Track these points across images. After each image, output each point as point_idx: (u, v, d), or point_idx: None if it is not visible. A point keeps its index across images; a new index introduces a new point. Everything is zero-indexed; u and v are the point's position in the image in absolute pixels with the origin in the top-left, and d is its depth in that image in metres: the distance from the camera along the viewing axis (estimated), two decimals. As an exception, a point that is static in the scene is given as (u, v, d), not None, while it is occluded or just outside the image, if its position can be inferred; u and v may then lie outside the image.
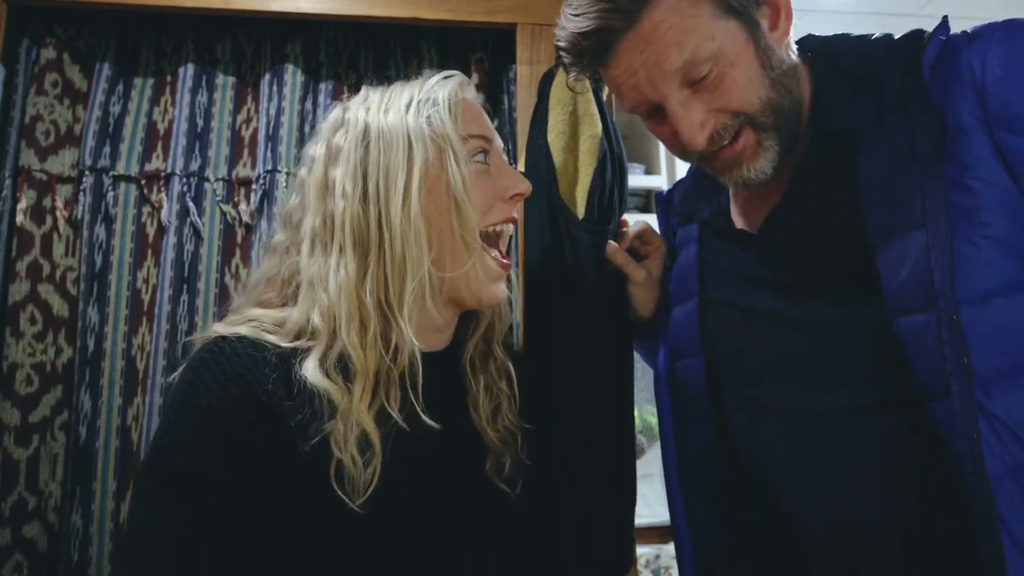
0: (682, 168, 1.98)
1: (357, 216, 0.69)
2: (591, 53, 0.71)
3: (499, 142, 0.79)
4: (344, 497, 0.61)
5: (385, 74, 1.39)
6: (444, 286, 0.73)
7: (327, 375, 0.65)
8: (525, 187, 0.78)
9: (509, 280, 0.81)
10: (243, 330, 0.67)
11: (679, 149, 0.76)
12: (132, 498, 0.66)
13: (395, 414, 0.66)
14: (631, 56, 0.69)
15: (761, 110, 0.70)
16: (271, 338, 0.67)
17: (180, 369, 0.66)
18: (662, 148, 2.04)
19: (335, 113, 0.78)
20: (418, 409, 0.67)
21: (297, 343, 0.68)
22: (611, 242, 0.92)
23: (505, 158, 0.80)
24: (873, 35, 0.74)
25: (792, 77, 0.73)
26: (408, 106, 0.73)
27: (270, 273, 0.76)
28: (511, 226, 0.79)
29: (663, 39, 0.67)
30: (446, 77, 0.78)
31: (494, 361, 0.82)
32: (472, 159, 0.74)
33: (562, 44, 0.74)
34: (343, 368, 0.66)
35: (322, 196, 0.73)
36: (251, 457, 0.61)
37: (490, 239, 0.77)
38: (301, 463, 0.62)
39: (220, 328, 0.68)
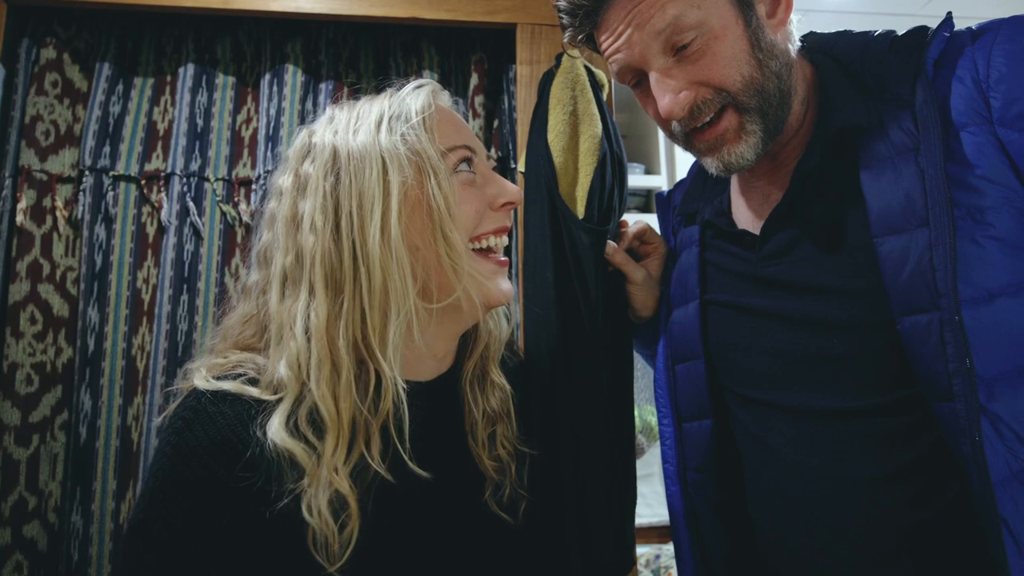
0: (682, 168, 1.98)
1: (329, 251, 0.64)
2: (584, 11, 0.73)
3: (482, 148, 0.75)
4: (321, 561, 0.58)
5: (385, 74, 1.39)
6: (434, 315, 0.69)
7: (294, 432, 0.60)
8: (514, 194, 0.73)
9: (509, 278, 0.80)
10: (226, 386, 0.62)
11: (665, 127, 0.76)
12: (118, 561, 0.64)
13: (376, 465, 0.61)
14: (618, 16, 0.70)
15: (743, 88, 0.69)
16: (254, 392, 0.63)
17: (165, 424, 0.62)
18: (662, 148, 2.04)
19: (301, 138, 0.72)
20: (405, 458, 0.62)
21: (278, 395, 0.63)
22: (610, 242, 0.92)
23: (490, 164, 0.77)
24: (876, 31, 0.74)
25: (784, 64, 0.72)
26: (379, 124, 0.67)
27: (247, 315, 0.71)
28: (504, 238, 0.74)
29: (648, 0, 0.68)
30: (417, 87, 0.72)
31: (491, 384, 0.77)
32: (456, 170, 0.70)
33: (561, 4, 0.76)
34: (314, 423, 0.61)
35: (292, 232, 0.67)
36: (234, 520, 0.58)
37: (482, 253, 0.72)
38: (281, 525, 0.59)
39: (201, 382, 0.63)
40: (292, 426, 0.60)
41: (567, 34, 0.78)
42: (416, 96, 0.71)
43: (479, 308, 0.69)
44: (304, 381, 0.62)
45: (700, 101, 0.70)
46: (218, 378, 0.64)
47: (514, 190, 0.73)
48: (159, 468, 0.60)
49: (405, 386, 0.64)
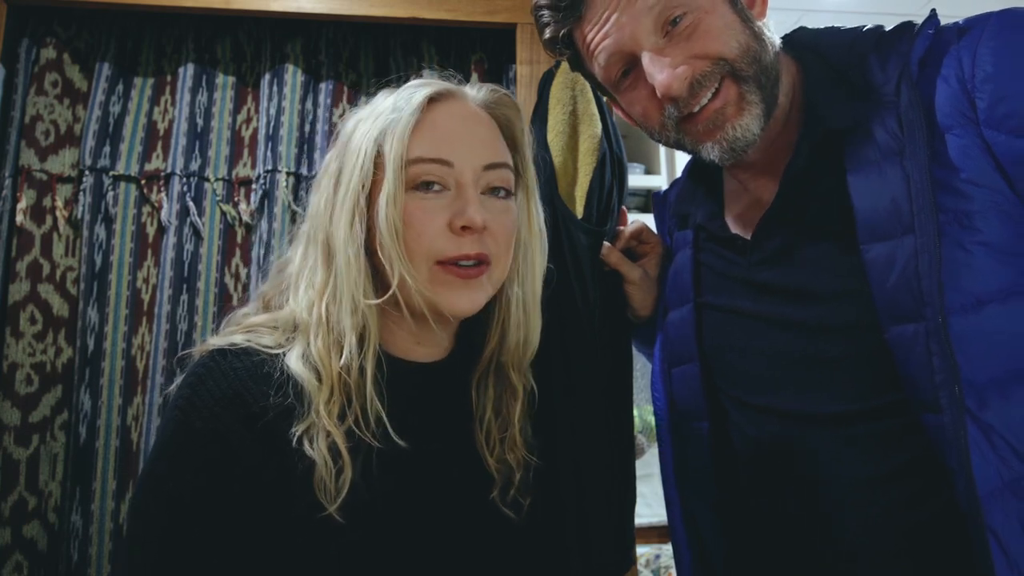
0: (682, 168, 1.97)
1: (326, 227, 0.69)
2: (568, 1, 0.71)
3: (476, 160, 0.68)
4: (323, 500, 0.60)
5: (385, 74, 1.40)
6: (400, 307, 0.68)
7: (306, 367, 0.65)
8: (471, 220, 0.66)
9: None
10: (238, 339, 0.66)
11: (656, 114, 0.73)
12: (128, 515, 0.65)
13: (354, 425, 0.64)
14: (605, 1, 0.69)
15: (741, 55, 0.68)
16: (267, 341, 0.67)
17: (177, 383, 0.65)
18: (662, 148, 2.04)
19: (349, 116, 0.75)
20: (386, 423, 0.65)
21: (291, 343, 0.67)
22: (605, 243, 0.92)
23: (477, 181, 0.69)
24: (864, 27, 0.72)
25: (772, 46, 0.71)
26: (376, 118, 0.68)
27: (288, 260, 0.75)
28: (471, 260, 0.68)
29: None
30: (417, 87, 0.70)
31: (508, 386, 0.76)
32: (416, 187, 0.67)
33: (541, 1, 0.74)
34: (317, 371, 0.65)
35: (314, 202, 0.73)
36: (245, 473, 0.60)
37: (445, 267, 0.68)
38: (289, 473, 0.61)
39: (216, 339, 0.68)
40: (305, 360, 0.65)
41: (547, 32, 0.76)
42: (413, 94, 0.69)
43: (435, 313, 0.68)
44: (308, 332, 0.67)
45: (699, 74, 0.68)
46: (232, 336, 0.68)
47: (472, 217, 0.66)
48: (171, 422, 0.62)
49: (411, 357, 0.71)
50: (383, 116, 0.68)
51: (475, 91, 0.74)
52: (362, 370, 0.66)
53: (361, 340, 0.66)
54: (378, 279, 0.68)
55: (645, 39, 0.68)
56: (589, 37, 0.72)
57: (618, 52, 0.71)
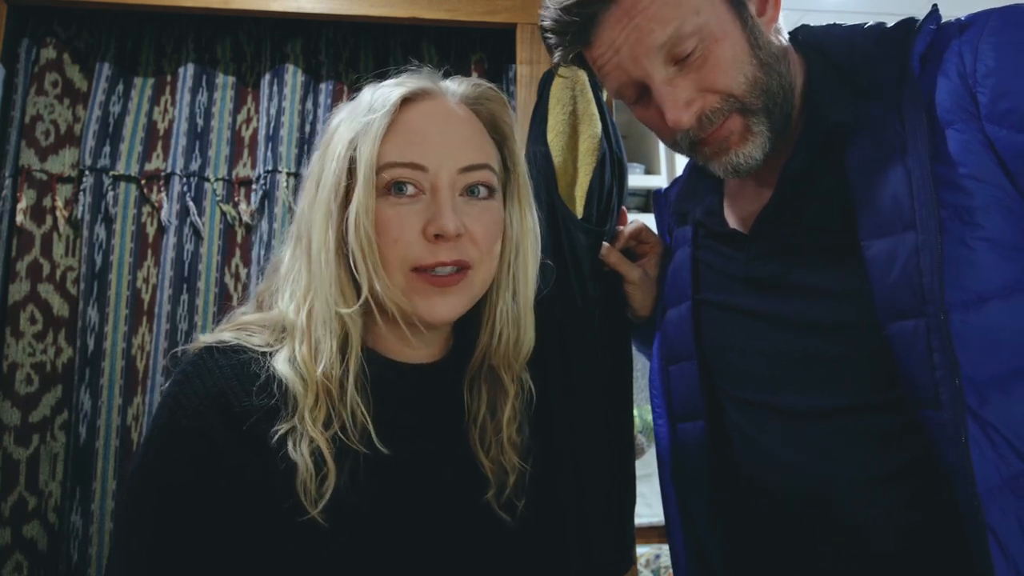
0: (682, 168, 1.97)
1: (308, 230, 0.67)
2: (574, 30, 0.71)
3: (445, 165, 0.65)
4: (305, 504, 0.59)
5: (385, 75, 1.39)
6: (372, 311, 0.67)
7: (292, 371, 0.64)
8: (444, 227, 0.63)
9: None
10: (227, 336, 0.66)
11: (668, 134, 0.74)
12: (116, 509, 0.65)
13: (344, 435, 0.63)
14: (613, 31, 0.68)
15: (749, 90, 0.68)
16: (256, 340, 0.66)
17: (168, 381, 0.65)
18: (662, 148, 2.04)
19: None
20: (370, 430, 0.63)
21: (280, 344, 0.66)
22: (604, 243, 0.92)
23: (454, 185, 0.66)
24: (866, 24, 0.72)
25: (782, 61, 0.71)
26: (356, 117, 0.66)
27: (280, 262, 0.74)
28: (448, 268, 0.65)
29: (646, 13, 0.66)
30: (391, 85, 0.68)
31: (501, 388, 0.74)
32: (389, 191, 0.65)
33: (546, 24, 0.74)
34: (301, 375, 0.64)
35: (300, 201, 0.71)
36: (230, 470, 0.60)
37: (421, 275, 0.65)
38: (272, 473, 0.61)
39: (206, 337, 0.67)
40: (291, 364, 0.64)
41: (556, 55, 0.75)
42: (389, 94, 0.67)
43: (411, 319, 0.66)
44: (294, 335, 0.66)
45: (709, 110, 0.68)
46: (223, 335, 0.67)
47: (445, 225, 0.63)
48: (159, 418, 0.62)
49: (401, 359, 0.69)
50: (358, 118, 0.66)
51: (456, 86, 0.71)
52: (346, 376, 0.64)
53: (344, 346, 0.65)
54: (357, 285, 0.66)
55: (655, 71, 0.68)
56: (600, 62, 0.72)
57: (629, 82, 0.71)
